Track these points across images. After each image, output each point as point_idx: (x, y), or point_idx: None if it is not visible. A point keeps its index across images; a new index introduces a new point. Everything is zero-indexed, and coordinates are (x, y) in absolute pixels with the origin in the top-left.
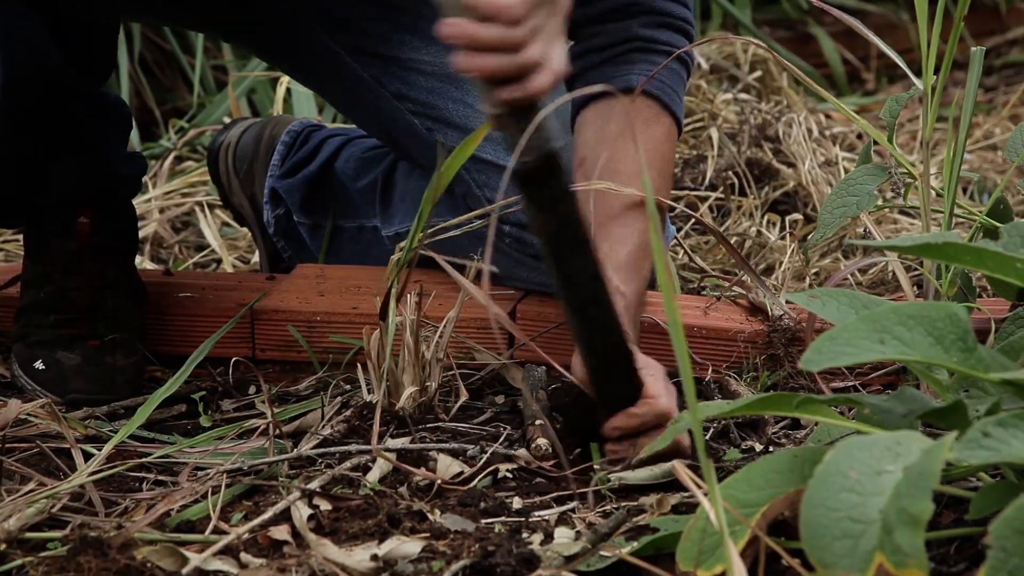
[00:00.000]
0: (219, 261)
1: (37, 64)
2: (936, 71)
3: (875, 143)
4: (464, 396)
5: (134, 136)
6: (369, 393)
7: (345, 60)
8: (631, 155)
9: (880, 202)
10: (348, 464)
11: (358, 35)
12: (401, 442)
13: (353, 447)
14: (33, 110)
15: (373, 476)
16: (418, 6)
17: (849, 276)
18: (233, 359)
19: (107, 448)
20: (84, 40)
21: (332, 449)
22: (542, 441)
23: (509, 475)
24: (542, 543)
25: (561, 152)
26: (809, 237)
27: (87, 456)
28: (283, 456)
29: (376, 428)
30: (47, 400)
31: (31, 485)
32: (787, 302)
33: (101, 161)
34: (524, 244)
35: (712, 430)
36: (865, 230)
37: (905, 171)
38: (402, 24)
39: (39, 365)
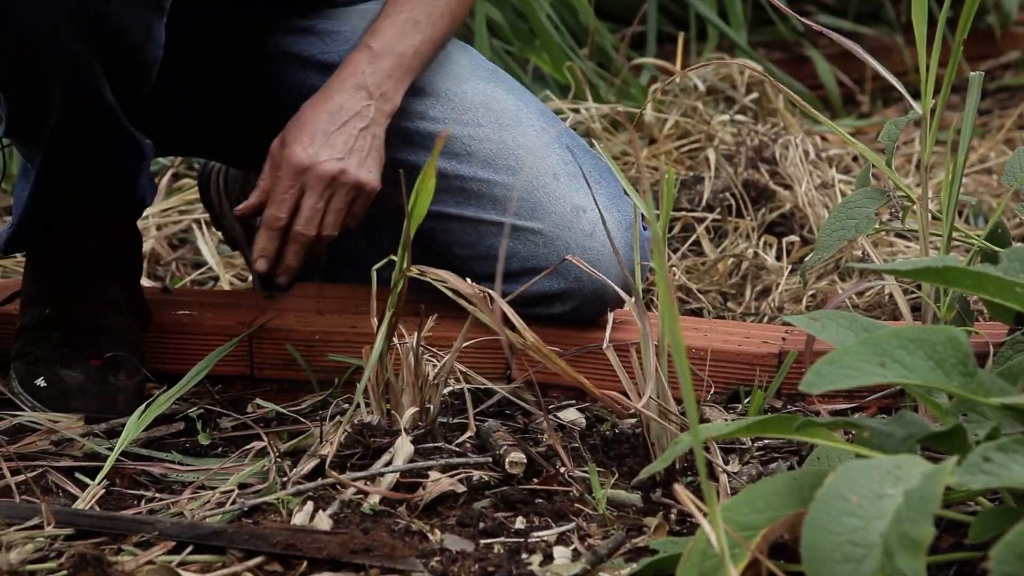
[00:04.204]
0: (216, 279)
1: (92, 105)
2: (935, 94)
3: (872, 166)
4: (471, 430)
5: None
6: (368, 413)
7: None
8: None
9: (877, 225)
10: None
11: None
12: (400, 461)
13: (349, 475)
14: (76, 150)
15: (373, 497)
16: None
17: (846, 299)
18: (231, 377)
19: (105, 468)
20: (132, 80)
21: (328, 478)
22: (517, 455)
23: (508, 493)
24: (541, 564)
25: None
26: (807, 259)
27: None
28: (282, 477)
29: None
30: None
31: (35, 520)
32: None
33: (128, 195)
34: None
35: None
36: (863, 252)
37: (903, 195)
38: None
39: (40, 383)
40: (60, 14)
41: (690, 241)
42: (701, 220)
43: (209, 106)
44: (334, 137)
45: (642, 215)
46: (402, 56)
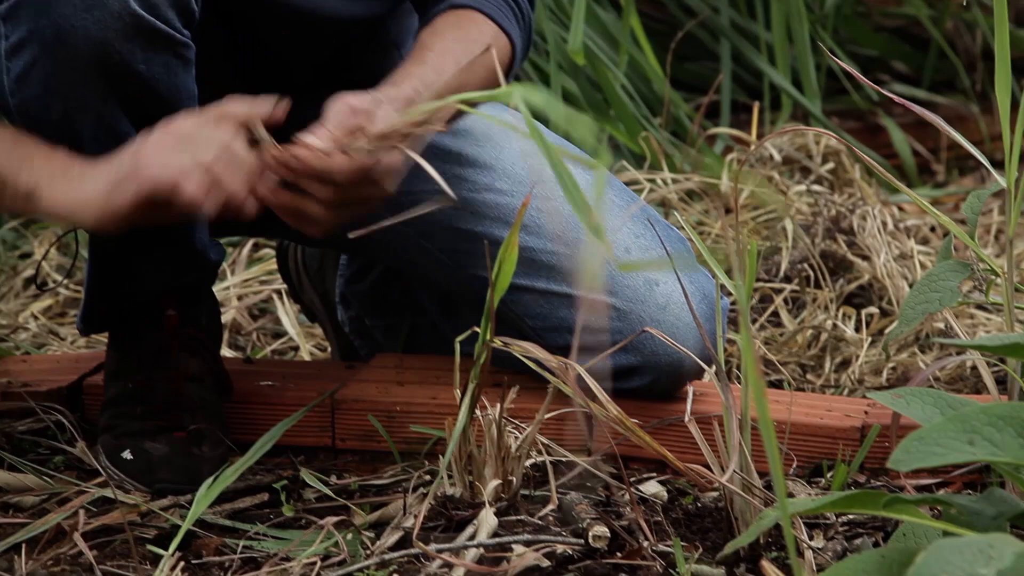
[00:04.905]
0: (296, 348)
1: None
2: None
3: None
4: (554, 503)
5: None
6: (451, 485)
7: None
8: (451, 32)
9: (960, 298)
10: (434, 560)
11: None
12: (484, 535)
13: (434, 546)
14: None
15: (458, 570)
16: None
17: (923, 367)
18: (313, 449)
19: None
20: None
21: (413, 549)
22: (600, 529)
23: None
24: None
25: None
26: (888, 331)
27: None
28: (366, 550)
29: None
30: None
31: None
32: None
33: (189, 252)
34: None
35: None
36: (946, 325)
37: (988, 268)
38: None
39: (127, 455)
40: (78, 71)
41: (768, 312)
42: (779, 291)
43: None
44: None
45: (718, 285)
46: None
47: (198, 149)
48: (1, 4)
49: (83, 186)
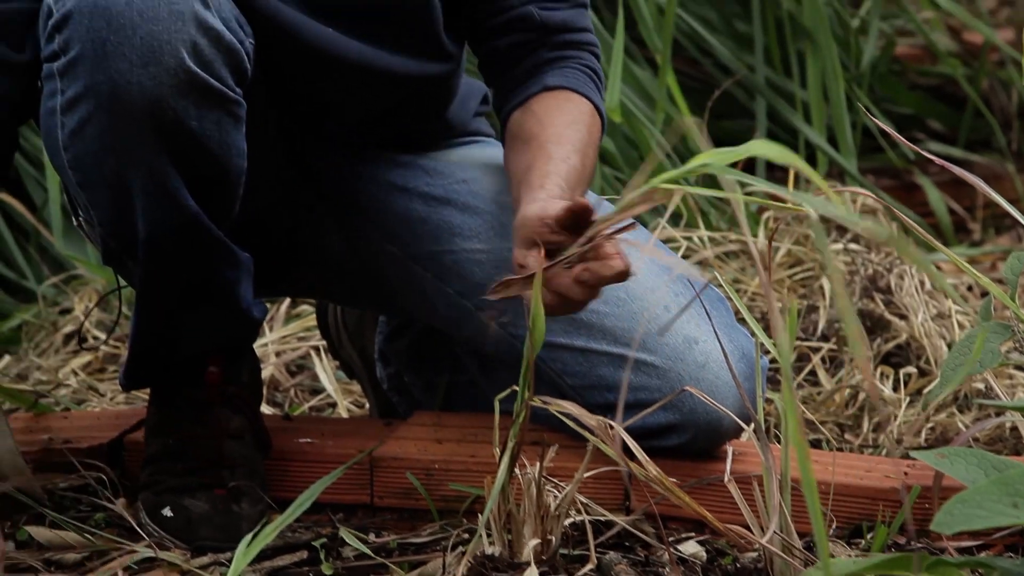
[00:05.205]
0: (334, 405)
1: (175, 215)
2: None
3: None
4: (593, 562)
5: None
6: (490, 544)
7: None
8: (557, 117)
9: (1000, 358)
10: None
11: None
12: None
13: None
14: (170, 262)
15: None
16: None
17: (963, 428)
18: (352, 506)
19: None
20: (217, 190)
21: None
22: None
23: None
24: None
25: None
26: (927, 391)
27: None
28: None
29: None
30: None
31: None
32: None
33: (234, 311)
34: None
35: None
36: (985, 385)
37: None
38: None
39: (167, 512)
40: (133, 125)
41: (806, 371)
42: (816, 349)
43: (311, 242)
44: None
45: (757, 344)
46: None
47: None
48: (57, 60)
49: None
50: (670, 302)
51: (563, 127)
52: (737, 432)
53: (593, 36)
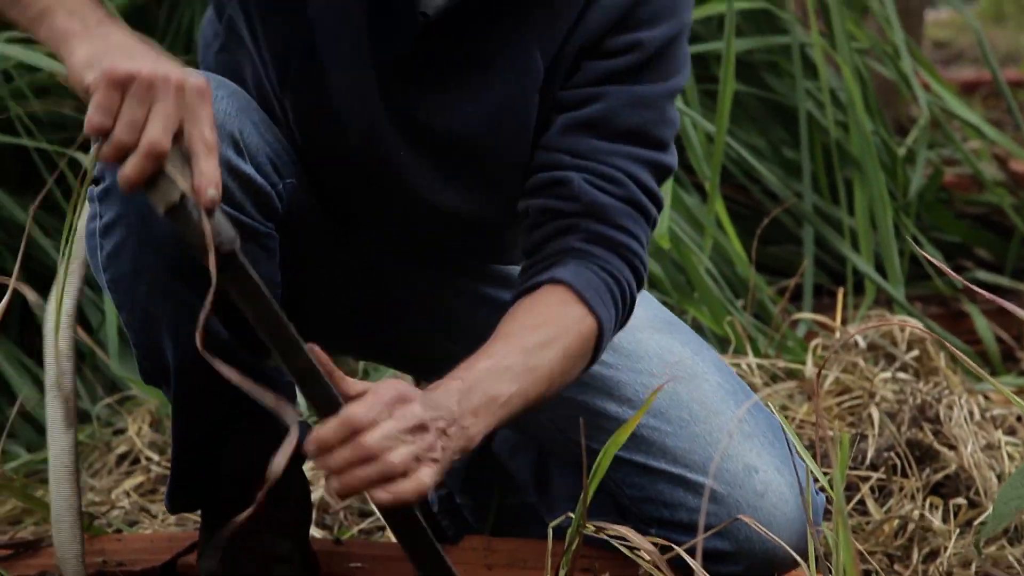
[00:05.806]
0: (384, 528)
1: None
2: None
3: None
4: None
5: None
6: None
7: None
8: (529, 319)
9: None
10: None
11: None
12: None
13: None
14: (202, 389)
15: None
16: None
17: (1014, 562)
18: None
19: None
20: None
21: None
22: None
23: None
24: None
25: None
26: (977, 524)
27: None
28: None
29: None
30: None
31: None
32: None
33: (272, 435)
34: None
35: None
36: None
37: None
38: None
39: None
40: (161, 257)
41: (854, 500)
42: (865, 479)
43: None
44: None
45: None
46: (492, 400)
47: None
48: (98, 185)
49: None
50: (733, 428)
51: (524, 328)
52: (792, 565)
53: (638, 245)
